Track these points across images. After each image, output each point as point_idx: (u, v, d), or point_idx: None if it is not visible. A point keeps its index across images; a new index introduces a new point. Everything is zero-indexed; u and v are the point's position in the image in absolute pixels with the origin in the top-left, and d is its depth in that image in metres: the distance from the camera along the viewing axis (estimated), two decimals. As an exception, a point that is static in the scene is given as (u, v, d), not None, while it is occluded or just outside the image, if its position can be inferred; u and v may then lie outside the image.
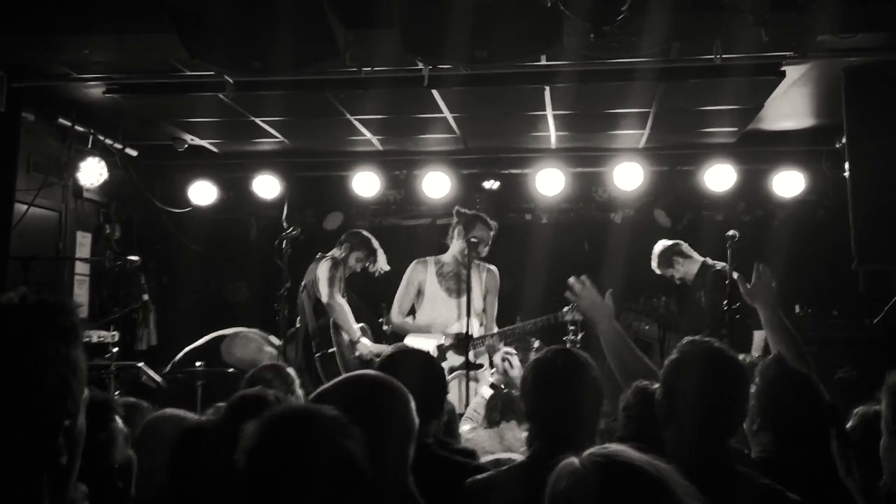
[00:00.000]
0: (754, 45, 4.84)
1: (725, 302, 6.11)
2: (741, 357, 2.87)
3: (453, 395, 5.52)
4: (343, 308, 6.34)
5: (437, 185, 7.67)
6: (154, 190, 8.03)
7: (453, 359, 6.02)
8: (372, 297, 7.29)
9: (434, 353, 5.82)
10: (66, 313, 1.39)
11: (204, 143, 7.71)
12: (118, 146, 7.26)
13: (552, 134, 7.37)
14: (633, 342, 3.73)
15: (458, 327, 5.90)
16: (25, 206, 6.21)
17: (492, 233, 6.14)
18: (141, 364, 5.89)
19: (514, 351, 6.24)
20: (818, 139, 7.28)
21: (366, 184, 7.76)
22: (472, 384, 5.71)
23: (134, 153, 7.53)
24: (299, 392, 3.71)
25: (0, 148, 6.05)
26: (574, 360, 2.71)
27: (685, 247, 6.76)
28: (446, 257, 6.18)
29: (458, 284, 6.04)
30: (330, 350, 6.33)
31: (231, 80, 5.49)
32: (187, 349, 6.64)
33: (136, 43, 5.21)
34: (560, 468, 1.50)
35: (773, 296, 3.82)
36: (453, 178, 7.69)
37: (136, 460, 2.45)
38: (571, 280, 3.84)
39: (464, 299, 5.87)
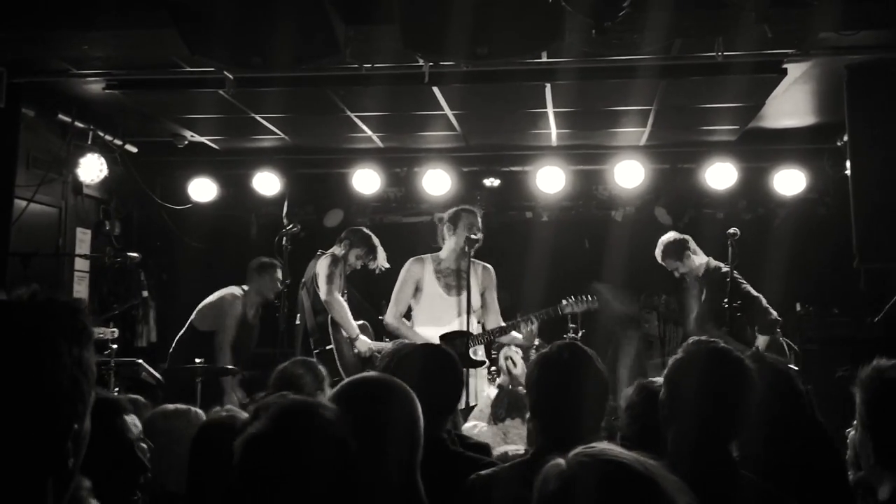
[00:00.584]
0: (756, 43, 4.84)
1: (725, 300, 6.11)
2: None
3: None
4: (342, 305, 6.33)
5: (437, 182, 7.66)
6: (154, 186, 8.02)
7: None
8: (372, 295, 7.28)
9: None
10: (78, 314, 1.36)
11: (204, 139, 7.70)
12: (118, 142, 7.25)
13: (553, 131, 7.36)
14: (637, 333, 3.73)
15: (457, 325, 5.88)
16: (25, 203, 6.20)
17: (479, 216, 6.12)
18: (140, 361, 5.88)
19: (518, 349, 6.23)
20: (819, 137, 7.27)
21: (366, 181, 7.75)
22: (471, 381, 5.69)
23: (134, 149, 7.52)
24: (329, 390, 3.68)
25: (0, 144, 6.04)
26: (581, 355, 2.68)
27: (693, 243, 6.74)
28: (444, 254, 6.16)
29: (457, 281, 6.02)
30: (328, 347, 6.32)
31: (231, 77, 5.48)
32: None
33: (136, 39, 5.20)
34: (546, 470, 1.48)
35: None
36: (454, 176, 7.68)
37: (148, 462, 2.46)
38: None
39: (463, 297, 5.86)
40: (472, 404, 5.86)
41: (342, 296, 6.44)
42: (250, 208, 8.43)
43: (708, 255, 6.75)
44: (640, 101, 6.38)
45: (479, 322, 6.19)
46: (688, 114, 6.83)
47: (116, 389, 5.48)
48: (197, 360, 6.32)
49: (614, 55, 5.28)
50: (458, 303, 5.94)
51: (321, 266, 6.43)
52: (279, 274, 6.60)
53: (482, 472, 2.59)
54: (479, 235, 5.93)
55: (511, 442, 5.56)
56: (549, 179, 7.57)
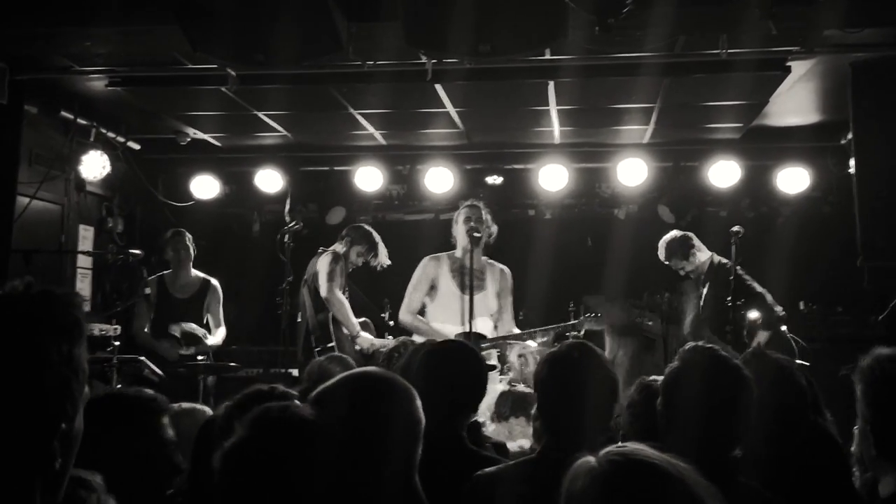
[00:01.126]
0: (760, 40, 4.82)
1: (729, 298, 6.09)
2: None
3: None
4: (342, 303, 6.32)
5: (439, 180, 7.65)
6: (156, 184, 8.02)
7: None
8: (375, 292, 7.27)
9: None
10: (71, 308, 1.32)
11: (206, 136, 7.70)
12: (121, 139, 7.24)
13: (556, 129, 7.35)
14: (636, 338, 3.72)
15: (476, 324, 5.88)
16: (27, 200, 6.20)
17: (481, 207, 6.11)
18: (143, 358, 5.87)
19: (533, 346, 6.19)
20: (823, 135, 7.25)
21: (369, 178, 7.74)
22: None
23: (136, 146, 7.52)
24: None
25: (2, 141, 6.05)
26: (591, 354, 2.67)
27: (696, 240, 6.71)
28: (458, 252, 6.15)
29: (472, 280, 6.00)
30: (329, 345, 6.31)
31: (234, 74, 5.47)
32: None
33: (138, 35, 5.20)
34: (576, 467, 1.46)
35: None
36: (456, 173, 7.67)
37: (181, 462, 2.44)
38: None
39: (479, 295, 5.86)
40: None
41: (343, 293, 6.43)
42: (253, 206, 8.43)
43: (711, 252, 6.74)
44: (643, 98, 6.36)
45: (495, 325, 6.18)
46: (691, 111, 6.81)
47: (119, 387, 5.47)
48: (199, 358, 6.33)
49: (617, 52, 5.27)
50: (477, 301, 5.92)
51: (322, 263, 6.42)
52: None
53: (487, 470, 2.58)
54: (481, 229, 5.92)
55: (515, 440, 5.55)
56: (552, 177, 7.56)
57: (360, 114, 6.83)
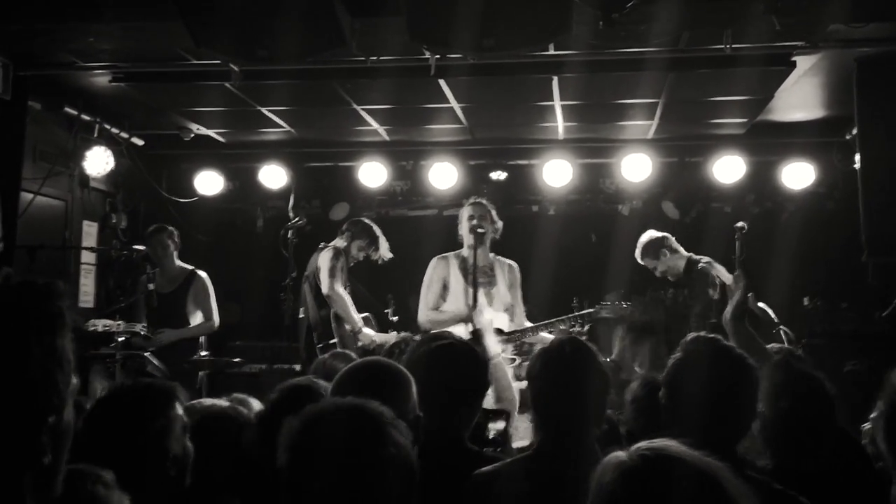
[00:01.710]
0: (765, 35, 4.81)
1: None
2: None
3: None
4: (343, 299, 6.31)
5: (443, 175, 7.65)
6: (160, 179, 8.03)
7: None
8: (378, 288, 7.27)
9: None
10: (52, 298, 1.28)
11: (210, 132, 7.70)
12: (124, 135, 7.25)
13: (560, 124, 7.33)
14: (638, 334, 3.70)
15: (487, 316, 5.88)
16: (32, 195, 6.21)
17: (485, 204, 6.10)
18: (146, 353, 5.88)
19: (550, 338, 6.16)
20: (828, 130, 7.23)
21: (372, 174, 7.74)
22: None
23: (140, 142, 7.53)
24: None
25: (6, 137, 6.04)
26: (581, 349, 2.66)
27: (673, 241, 6.64)
28: (465, 251, 6.15)
29: (482, 277, 5.99)
30: (331, 341, 6.31)
31: (237, 69, 5.47)
32: None
33: (141, 31, 5.20)
34: (605, 462, 1.45)
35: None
36: (460, 169, 7.67)
37: (192, 451, 2.41)
38: None
39: (490, 291, 5.86)
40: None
41: (345, 289, 6.43)
42: (256, 201, 8.43)
43: (716, 252, 6.68)
44: (647, 93, 6.35)
45: (511, 320, 6.18)
46: (696, 107, 6.80)
47: (122, 382, 5.47)
48: (203, 353, 6.34)
49: (622, 47, 5.25)
50: (485, 296, 5.92)
51: (323, 260, 6.41)
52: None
53: (485, 469, 2.57)
54: (485, 226, 5.91)
55: (519, 438, 5.54)
56: (556, 173, 7.55)
57: (363, 109, 6.82)
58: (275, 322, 6.91)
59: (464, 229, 6.03)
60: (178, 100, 6.77)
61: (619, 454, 1.44)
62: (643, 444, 1.45)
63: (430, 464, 2.53)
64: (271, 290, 7.01)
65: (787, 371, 2.85)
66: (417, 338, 4.17)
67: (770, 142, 7.56)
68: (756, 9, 4.15)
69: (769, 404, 2.77)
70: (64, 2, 4.95)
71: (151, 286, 5.96)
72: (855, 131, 5.73)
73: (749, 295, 6.02)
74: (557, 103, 6.62)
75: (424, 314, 6.03)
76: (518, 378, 6.09)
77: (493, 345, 4.02)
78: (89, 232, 7.13)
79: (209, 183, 7.98)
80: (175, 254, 6.57)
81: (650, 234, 6.77)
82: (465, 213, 6.07)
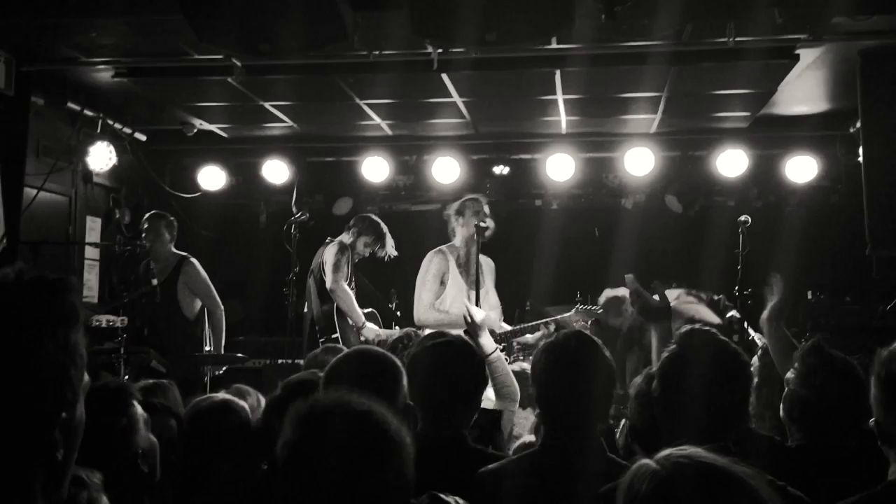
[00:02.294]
0: (768, 28, 4.79)
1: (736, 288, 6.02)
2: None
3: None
4: (347, 294, 6.32)
5: (446, 170, 7.64)
6: (163, 175, 8.03)
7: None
8: (382, 283, 7.28)
9: None
10: (65, 293, 1.27)
11: (213, 127, 7.70)
12: (127, 130, 7.25)
13: (563, 119, 7.32)
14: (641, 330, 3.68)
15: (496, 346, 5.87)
16: (35, 191, 6.21)
17: (485, 204, 6.08)
18: (150, 349, 5.89)
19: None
20: (832, 124, 7.21)
21: (375, 169, 7.74)
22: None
23: (143, 138, 7.52)
24: None
25: (9, 132, 6.05)
26: (587, 343, 2.66)
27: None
28: (460, 246, 6.11)
29: (475, 273, 5.98)
30: (333, 336, 6.31)
31: (239, 64, 5.47)
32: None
33: (144, 26, 5.21)
34: (636, 471, 1.43)
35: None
36: (463, 164, 7.66)
37: (157, 445, 2.43)
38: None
39: (483, 290, 5.85)
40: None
41: (349, 284, 6.43)
42: (259, 196, 8.43)
43: (719, 246, 6.62)
44: (650, 87, 6.34)
45: (500, 318, 6.17)
46: (699, 100, 6.78)
47: (126, 377, 5.49)
48: (206, 349, 6.34)
49: (624, 41, 5.24)
50: (484, 297, 5.91)
51: (328, 254, 6.42)
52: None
53: (490, 466, 2.57)
54: (489, 223, 5.90)
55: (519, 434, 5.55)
56: (559, 167, 7.54)
57: (366, 104, 6.82)
58: (278, 317, 6.92)
59: (467, 224, 6.00)
60: (180, 95, 6.77)
61: (649, 463, 1.43)
62: (672, 451, 1.43)
63: (431, 462, 2.54)
64: (274, 285, 7.02)
65: (819, 353, 2.87)
66: (420, 333, 4.19)
67: (773, 135, 7.55)
68: (759, 1, 4.14)
69: (800, 384, 2.81)
70: (66, -3, 4.96)
71: (155, 281, 5.96)
72: (859, 124, 5.71)
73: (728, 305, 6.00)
74: (560, 97, 6.61)
75: (424, 312, 5.96)
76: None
77: (490, 343, 4.02)
78: (93, 227, 7.13)
79: (212, 178, 7.98)
80: (170, 242, 6.51)
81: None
82: (467, 208, 6.04)
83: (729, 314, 5.97)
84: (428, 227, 7.46)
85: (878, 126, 5.49)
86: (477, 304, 5.62)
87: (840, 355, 2.90)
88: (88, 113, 6.68)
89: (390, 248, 6.62)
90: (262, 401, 3.18)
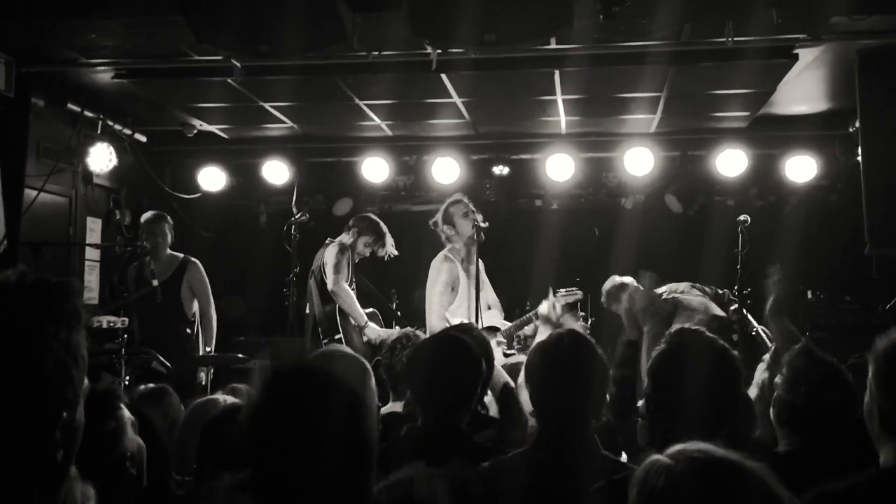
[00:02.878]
0: (767, 28, 4.80)
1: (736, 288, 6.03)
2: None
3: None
4: (348, 294, 6.33)
5: (446, 170, 7.65)
6: (163, 176, 8.04)
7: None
8: (382, 282, 7.28)
9: None
10: (67, 295, 1.27)
11: (213, 128, 7.71)
12: (127, 132, 7.26)
13: (562, 119, 7.33)
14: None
15: (487, 318, 5.89)
16: (35, 192, 6.22)
17: (468, 202, 6.10)
18: (151, 350, 5.89)
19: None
20: (831, 123, 7.22)
21: (375, 169, 7.74)
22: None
23: (143, 139, 7.54)
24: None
25: (10, 133, 6.06)
26: (579, 342, 2.67)
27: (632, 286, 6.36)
28: (460, 249, 6.13)
29: (476, 274, 5.99)
30: (336, 336, 6.32)
31: (239, 65, 5.48)
32: None
33: (143, 27, 5.21)
34: (649, 466, 1.45)
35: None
36: (463, 164, 7.67)
37: (145, 447, 2.44)
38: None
39: (482, 291, 5.87)
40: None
41: (350, 284, 6.44)
42: (259, 197, 8.45)
43: (719, 246, 6.61)
44: (649, 87, 6.34)
45: (501, 314, 6.19)
46: (698, 100, 6.79)
47: (127, 378, 5.50)
48: (207, 349, 6.35)
49: (623, 41, 5.25)
50: (483, 296, 5.93)
51: (329, 255, 6.43)
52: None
53: (485, 464, 2.58)
54: (481, 219, 5.93)
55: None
56: (559, 167, 7.55)
57: (366, 104, 6.83)
58: (278, 318, 6.93)
59: (462, 226, 6.02)
60: (180, 96, 6.78)
61: (662, 459, 1.44)
62: (685, 447, 1.45)
63: (433, 457, 2.56)
64: (274, 285, 7.03)
65: (809, 358, 2.85)
66: (419, 333, 4.20)
67: (773, 135, 7.55)
68: (757, 1, 4.15)
69: (788, 389, 2.79)
70: (65, -1, 4.97)
71: (155, 282, 5.96)
72: (857, 124, 5.71)
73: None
74: (559, 97, 6.62)
75: (436, 321, 5.92)
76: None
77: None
78: (93, 228, 7.14)
79: (212, 179, 7.99)
80: (170, 243, 6.53)
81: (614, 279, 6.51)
82: (455, 210, 6.06)
83: (733, 307, 5.99)
84: (428, 228, 7.46)
85: (876, 125, 5.50)
86: (477, 305, 5.65)
87: (829, 359, 2.87)
88: (89, 114, 6.69)
89: (390, 248, 6.63)
90: None
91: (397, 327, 6.39)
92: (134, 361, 5.75)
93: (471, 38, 4.36)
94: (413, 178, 8.16)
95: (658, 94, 6.51)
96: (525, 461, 2.54)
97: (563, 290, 6.23)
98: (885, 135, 5.44)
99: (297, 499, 1.59)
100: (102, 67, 6.00)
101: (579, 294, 6.31)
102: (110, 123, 6.99)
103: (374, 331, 6.34)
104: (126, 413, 2.41)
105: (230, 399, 3.10)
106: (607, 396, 2.77)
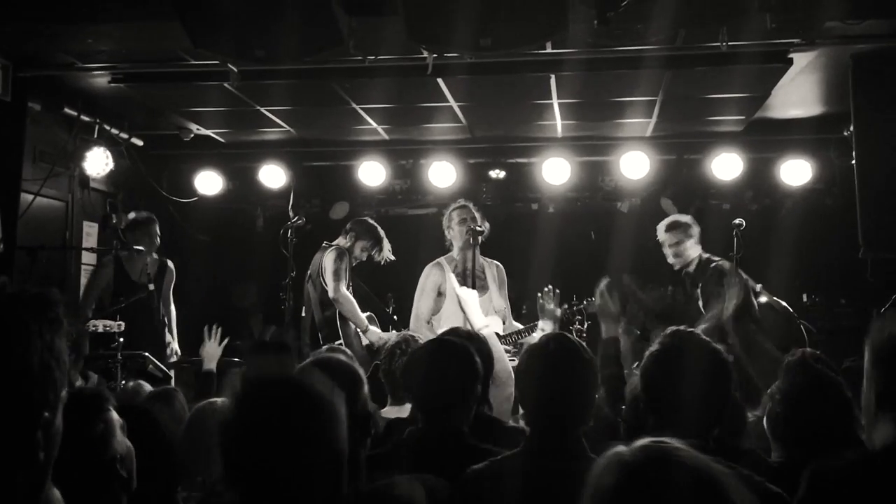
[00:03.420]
0: (761, 33, 4.82)
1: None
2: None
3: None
4: (350, 301, 6.33)
5: (442, 174, 7.66)
6: (160, 180, 8.04)
7: None
8: (378, 286, 7.29)
9: None
10: (50, 303, 1.29)
11: (210, 132, 7.72)
12: (124, 136, 7.26)
13: (558, 123, 7.35)
14: (638, 331, 3.69)
15: (486, 322, 5.89)
16: (32, 196, 6.22)
17: (473, 208, 6.12)
18: (147, 353, 5.90)
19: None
20: (826, 127, 7.24)
21: (372, 173, 7.75)
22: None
23: (140, 143, 7.54)
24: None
25: (6, 137, 6.06)
26: (567, 345, 2.68)
27: (695, 230, 6.50)
28: (456, 255, 6.15)
29: (474, 280, 6.00)
30: (338, 342, 6.32)
31: (235, 70, 5.48)
32: None
33: (140, 32, 5.22)
34: (605, 461, 1.40)
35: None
36: (459, 168, 7.68)
37: (133, 450, 2.45)
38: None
39: (486, 295, 5.87)
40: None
41: (348, 288, 6.45)
42: (256, 201, 8.45)
43: (714, 249, 6.65)
44: (645, 91, 6.36)
45: (503, 322, 6.19)
46: (693, 104, 6.81)
47: (123, 382, 5.50)
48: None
49: (619, 45, 5.27)
50: (483, 302, 5.93)
51: (328, 261, 6.42)
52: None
53: (476, 467, 2.59)
54: (483, 226, 5.94)
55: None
56: (555, 171, 7.56)
57: (362, 109, 6.84)
58: (275, 321, 6.94)
59: (455, 232, 6.05)
60: (177, 100, 6.79)
61: (619, 450, 1.41)
62: (644, 442, 1.41)
63: (430, 459, 2.57)
64: (271, 289, 7.03)
65: (805, 372, 2.83)
66: (417, 337, 4.21)
67: (768, 139, 7.57)
68: (750, 5, 4.16)
69: (782, 401, 2.78)
70: (63, 3, 4.97)
71: (151, 286, 5.97)
72: (852, 128, 5.74)
73: (760, 290, 5.97)
74: (555, 101, 6.64)
75: (418, 325, 6.00)
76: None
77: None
78: (90, 232, 7.14)
79: (209, 183, 7.99)
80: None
81: (684, 216, 6.62)
82: (453, 216, 6.09)
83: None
84: (424, 232, 7.47)
85: (870, 129, 5.52)
86: (491, 311, 5.67)
87: (826, 372, 2.85)
88: (85, 118, 6.69)
89: (387, 252, 6.63)
90: None
91: (394, 331, 6.40)
92: (129, 365, 5.75)
93: (467, 43, 4.38)
94: (409, 182, 8.17)
95: (653, 98, 6.53)
96: (513, 464, 2.55)
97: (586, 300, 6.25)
98: (879, 139, 5.46)
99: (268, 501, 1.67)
100: (99, 72, 6.00)
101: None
102: (107, 128, 6.99)
103: (375, 334, 6.35)
104: (115, 415, 2.41)
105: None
106: (596, 396, 2.77)
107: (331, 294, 6.31)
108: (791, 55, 5.49)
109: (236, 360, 6.32)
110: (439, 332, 5.86)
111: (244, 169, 8.09)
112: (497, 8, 4.22)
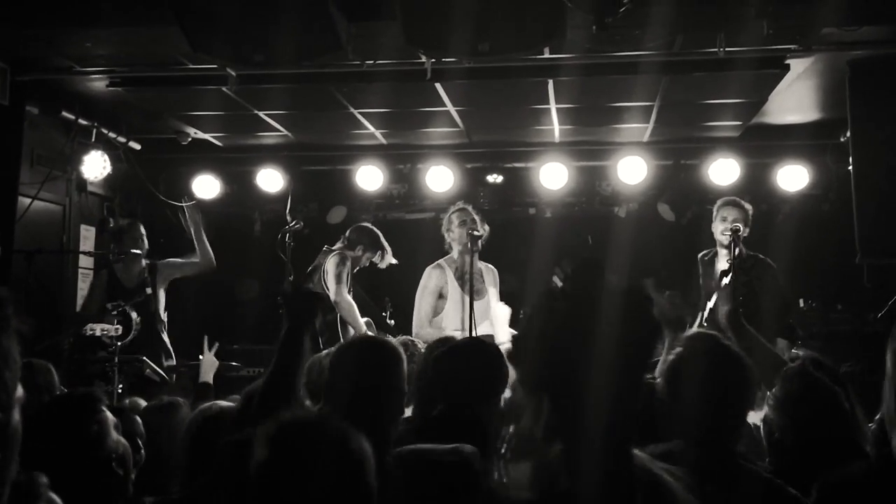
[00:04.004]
0: (758, 39, 4.84)
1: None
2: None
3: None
4: (351, 305, 6.34)
5: (440, 178, 7.65)
6: (157, 184, 8.01)
7: None
8: (376, 291, 7.29)
9: None
10: None
11: (207, 136, 7.72)
12: (122, 139, 7.25)
13: (556, 128, 7.36)
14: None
15: (486, 328, 5.89)
16: (29, 200, 6.22)
17: (473, 212, 6.13)
18: (144, 357, 5.89)
19: None
20: (823, 133, 7.26)
21: (369, 177, 7.74)
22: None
23: (137, 147, 7.53)
24: None
25: (4, 141, 6.07)
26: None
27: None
28: (457, 258, 6.16)
29: (477, 284, 6.00)
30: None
31: (233, 74, 5.49)
32: None
33: (138, 36, 5.23)
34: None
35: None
36: (457, 172, 7.68)
37: (129, 449, 2.46)
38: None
39: (485, 300, 5.88)
40: None
41: (348, 293, 6.45)
42: (254, 205, 8.44)
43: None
44: (642, 96, 6.37)
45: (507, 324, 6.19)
46: (690, 110, 6.83)
47: (120, 386, 5.50)
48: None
49: (616, 51, 5.28)
50: (481, 305, 5.94)
51: (330, 265, 6.41)
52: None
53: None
54: (482, 230, 5.95)
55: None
56: (552, 176, 7.57)
57: (360, 113, 6.84)
58: (273, 325, 6.92)
59: (455, 235, 6.06)
60: (174, 104, 6.79)
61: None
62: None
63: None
64: (269, 293, 7.03)
65: (803, 380, 2.79)
66: (417, 341, 4.22)
67: (765, 144, 7.59)
68: (748, 12, 4.18)
69: (779, 411, 2.75)
70: (61, 7, 4.97)
71: (149, 290, 5.97)
72: (848, 134, 5.75)
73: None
74: (553, 106, 6.65)
75: (420, 326, 6.02)
76: None
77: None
78: (87, 236, 7.13)
79: (206, 187, 7.96)
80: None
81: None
82: (453, 219, 6.10)
83: None
84: (422, 236, 7.47)
85: (867, 135, 5.54)
86: (471, 314, 5.66)
87: (825, 383, 2.79)
88: (83, 122, 6.69)
89: (390, 258, 6.64)
90: None
91: (390, 337, 6.39)
92: (127, 370, 5.74)
93: (464, 48, 4.39)
94: (407, 187, 8.16)
95: (651, 103, 6.55)
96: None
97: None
98: (875, 144, 5.48)
99: None
100: (97, 76, 6.01)
101: None
102: (104, 131, 6.99)
103: (375, 337, 6.35)
104: (109, 415, 2.42)
105: (227, 405, 3.12)
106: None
107: (332, 297, 6.31)
108: (788, 61, 5.51)
109: (234, 364, 6.34)
110: (441, 328, 5.92)
111: (242, 173, 8.07)
112: (495, 13, 4.24)
